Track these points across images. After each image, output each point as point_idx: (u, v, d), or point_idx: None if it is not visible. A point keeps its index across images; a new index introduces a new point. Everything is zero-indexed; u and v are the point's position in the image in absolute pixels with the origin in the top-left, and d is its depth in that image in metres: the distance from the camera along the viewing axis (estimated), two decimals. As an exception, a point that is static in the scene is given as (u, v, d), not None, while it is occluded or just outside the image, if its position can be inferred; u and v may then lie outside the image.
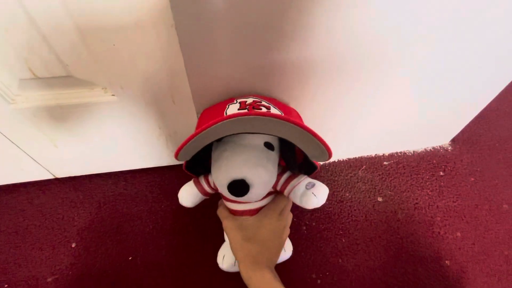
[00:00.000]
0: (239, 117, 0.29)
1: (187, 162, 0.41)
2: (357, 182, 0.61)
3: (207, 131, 0.30)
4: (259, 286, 0.35)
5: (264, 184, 0.36)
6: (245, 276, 0.36)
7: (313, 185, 0.38)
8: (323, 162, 0.64)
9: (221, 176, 0.35)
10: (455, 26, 0.39)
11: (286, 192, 0.41)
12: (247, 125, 0.31)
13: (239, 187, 0.34)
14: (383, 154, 0.65)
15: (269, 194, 0.42)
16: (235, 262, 0.44)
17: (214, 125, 0.29)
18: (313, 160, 0.38)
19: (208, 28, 0.34)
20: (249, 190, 0.34)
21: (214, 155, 0.38)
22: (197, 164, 0.43)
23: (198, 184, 0.44)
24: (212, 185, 0.44)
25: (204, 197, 0.45)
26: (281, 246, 0.41)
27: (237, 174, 0.34)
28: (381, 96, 0.50)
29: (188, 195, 0.44)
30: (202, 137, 0.31)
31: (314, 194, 0.37)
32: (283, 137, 0.33)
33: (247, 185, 0.34)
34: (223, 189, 0.36)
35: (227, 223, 0.41)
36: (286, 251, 0.48)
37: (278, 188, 0.41)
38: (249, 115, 0.29)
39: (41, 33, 0.34)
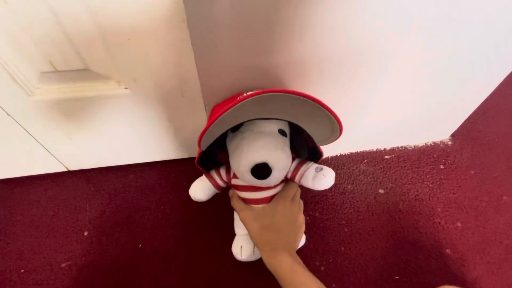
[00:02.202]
0: (260, 95, 0.31)
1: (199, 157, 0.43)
2: (359, 175, 0.63)
3: (227, 114, 0.31)
4: (278, 270, 0.37)
5: (283, 167, 0.38)
6: (266, 262, 0.39)
7: (322, 169, 0.42)
8: (325, 156, 0.66)
9: (243, 161, 0.37)
10: (454, 22, 0.41)
11: (297, 178, 0.43)
12: (262, 109, 0.34)
13: (262, 170, 0.36)
14: (384, 148, 0.67)
15: (281, 181, 0.43)
16: (254, 250, 0.45)
17: (236, 106, 0.31)
18: (319, 146, 0.41)
19: (218, 24, 0.36)
20: (271, 173, 0.36)
21: (232, 144, 0.39)
22: (207, 159, 0.45)
23: (210, 178, 0.46)
24: (224, 178, 0.46)
25: (216, 191, 0.47)
26: (298, 230, 0.42)
27: (259, 158, 0.36)
28: (382, 92, 0.51)
29: (201, 188, 0.46)
30: (221, 124, 0.33)
31: (324, 175, 0.41)
32: (293, 121, 0.36)
33: (269, 168, 0.36)
34: (246, 175, 0.37)
35: (245, 215, 0.43)
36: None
37: (289, 175, 0.44)
38: (268, 92, 0.31)
39: (63, 29, 0.36)
